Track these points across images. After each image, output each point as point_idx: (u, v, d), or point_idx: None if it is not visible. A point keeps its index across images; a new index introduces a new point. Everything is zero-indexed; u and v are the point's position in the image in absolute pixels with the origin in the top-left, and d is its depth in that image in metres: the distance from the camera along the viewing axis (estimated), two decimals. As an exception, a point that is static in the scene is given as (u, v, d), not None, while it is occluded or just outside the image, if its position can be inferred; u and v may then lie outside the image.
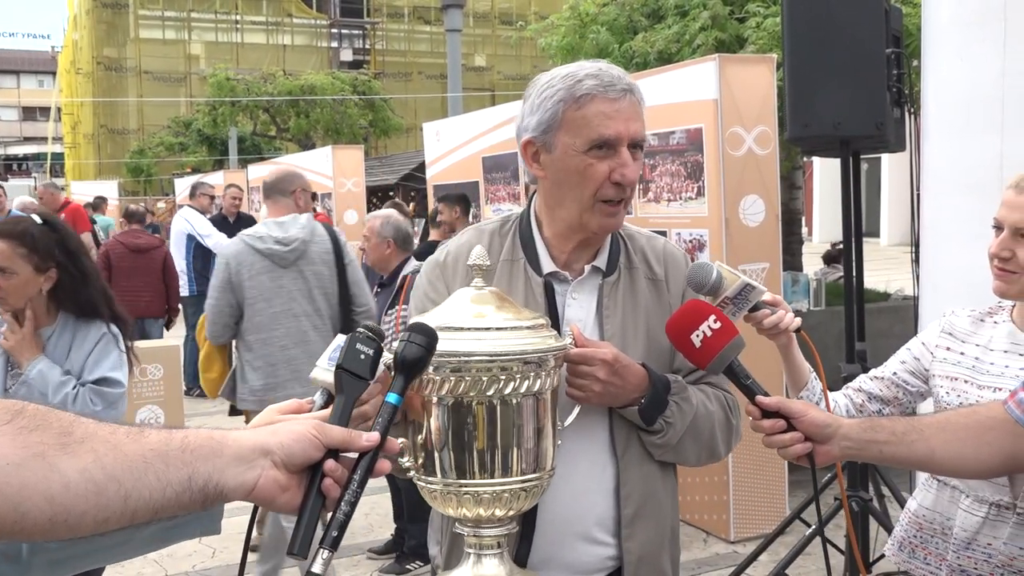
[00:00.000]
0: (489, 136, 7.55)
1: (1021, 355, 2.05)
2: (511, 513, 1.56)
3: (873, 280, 7.57)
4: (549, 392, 1.56)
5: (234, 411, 4.80)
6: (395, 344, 1.31)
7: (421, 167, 12.55)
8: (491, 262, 1.87)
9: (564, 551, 1.79)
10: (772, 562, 4.24)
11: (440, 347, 1.34)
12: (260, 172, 14.01)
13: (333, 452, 1.15)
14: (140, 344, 7.12)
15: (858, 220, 4.28)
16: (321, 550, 1.12)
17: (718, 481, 5.20)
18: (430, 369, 1.45)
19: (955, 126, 3.37)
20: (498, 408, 1.50)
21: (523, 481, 1.53)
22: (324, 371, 1.35)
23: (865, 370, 2.39)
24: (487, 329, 1.51)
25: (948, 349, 2.18)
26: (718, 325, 1.61)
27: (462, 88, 15.80)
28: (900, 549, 2.26)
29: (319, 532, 1.14)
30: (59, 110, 44.53)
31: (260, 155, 26.33)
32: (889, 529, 3.14)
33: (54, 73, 50.56)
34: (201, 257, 9.13)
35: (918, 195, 3.82)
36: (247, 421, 3.52)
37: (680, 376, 1.86)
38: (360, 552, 5.25)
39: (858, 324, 4.25)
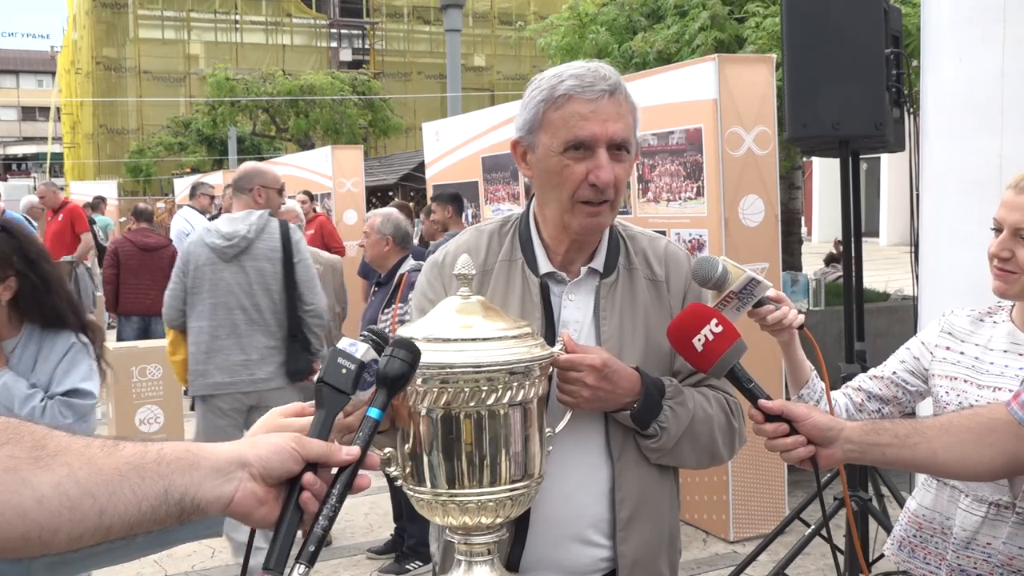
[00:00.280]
0: (489, 136, 7.55)
1: (1021, 355, 2.06)
2: (498, 521, 1.56)
3: (872, 280, 7.58)
4: (535, 400, 1.56)
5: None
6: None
7: (420, 167, 12.55)
8: (490, 262, 1.88)
9: (558, 552, 1.79)
10: (772, 562, 4.24)
11: (426, 359, 1.34)
12: (259, 172, 14.00)
13: (313, 466, 1.13)
14: (141, 344, 7.20)
15: (857, 220, 4.28)
16: (298, 565, 1.09)
17: (717, 481, 5.20)
18: (417, 380, 1.46)
19: (955, 126, 3.37)
20: (485, 418, 1.50)
21: (510, 490, 1.54)
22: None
23: (864, 370, 2.39)
24: (473, 340, 1.51)
25: (948, 349, 2.18)
26: (720, 329, 1.61)
27: (461, 88, 15.80)
28: (900, 549, 2.26)
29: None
30: (58, 110, 44.49)
31: (259, 155, 26.31)
32: (888, 529, 3.14)
33: (53, 73, 50.56)
34: (201, 257, 9.12)
35: (917, 195, 3.82)
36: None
37: (681, 378, 1.86)
38: (360, 552, 5.25)
39: (857, 324, 4.25)
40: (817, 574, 4.58)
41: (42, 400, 2.73)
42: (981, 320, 2.17)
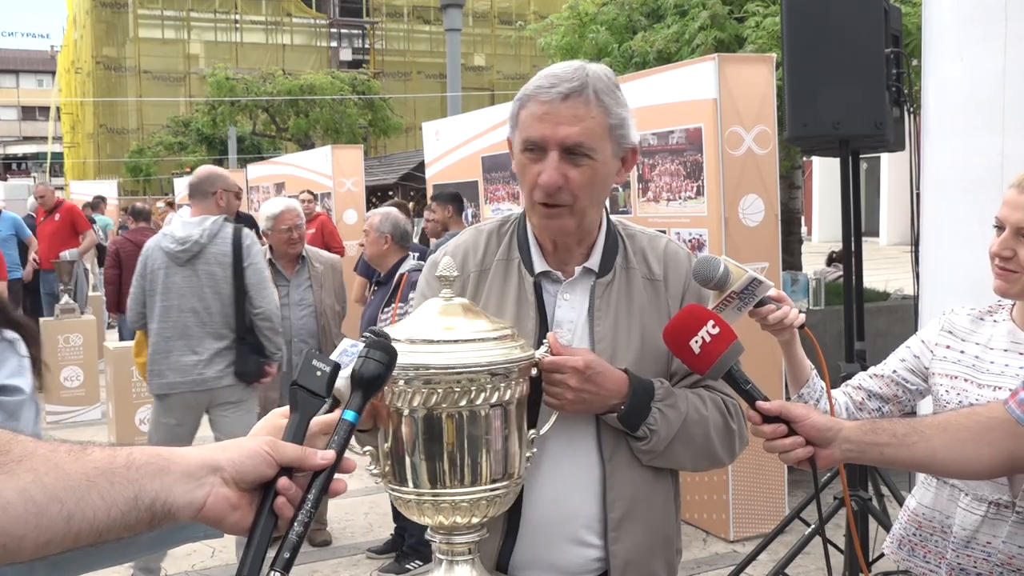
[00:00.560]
0: (488, 136, 7.55)
1: (1021, 354, 2.05)
2: (475, 521, 1.56)
3: (872, 280, 7.58)
4: (516, 402, 1.57)
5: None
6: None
7: (420, 167, 12.55)
8: (488, 262, 1.89)
9: (551, 552, 1.78)
10: (771, 561, 4.24)
11: (409, 360, 1.33)
12: (259, 172, 14.02)
13: (288, 470, 1.11)
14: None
15: (857, 220, 4.28)
16: (272, 572, 1.06)
17: (717, 480, 5.20)
18: (400, 381, 1.47)
19: (956, 125, 3.37)
20: (465, 419, 1.51)
21: (490, 490, 1.54)
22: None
23: (864, 369, 2.39)
24: (455, 341, 1.52)
25: (948, 347, 2.17)
26: (716, 330, 1.60)
27: (461, 88, 15.79)
28: (899, 547, 2.26)
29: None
30: (58, 109, 44.53)
31: (259, 155, 26.32)
32: (888, 528, 3.14)
33: (53, 72, 50.62)
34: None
35: (918, 195, 3.82)
36: None
37: (678, 379, 1.85)
38: (359, 552, 5.26)
39: (857, 324, 4.25)
40: (817, 574, 4.58)
41: None
42: (981, 319, 2.17)
